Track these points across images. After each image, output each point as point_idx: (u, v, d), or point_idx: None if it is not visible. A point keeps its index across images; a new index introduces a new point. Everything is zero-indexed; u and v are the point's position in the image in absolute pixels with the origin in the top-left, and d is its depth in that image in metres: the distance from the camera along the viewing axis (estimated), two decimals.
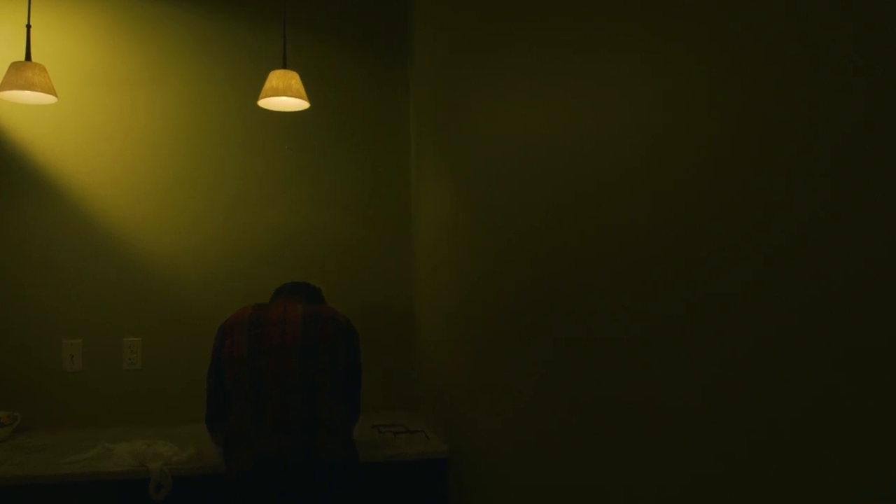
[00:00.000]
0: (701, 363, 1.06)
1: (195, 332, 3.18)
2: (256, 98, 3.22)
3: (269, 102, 3.00)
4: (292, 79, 2.87)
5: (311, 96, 3.28)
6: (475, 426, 2.35)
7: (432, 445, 2.73)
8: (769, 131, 0.90)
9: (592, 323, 1.44)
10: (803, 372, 0.85)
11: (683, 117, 1.10)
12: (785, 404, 0.88)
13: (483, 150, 2.21)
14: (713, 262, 1.03)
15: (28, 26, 2.72)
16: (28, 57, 2.70)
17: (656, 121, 1.19)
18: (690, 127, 1.08)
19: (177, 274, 3.20)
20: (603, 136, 1.39)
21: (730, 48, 0.99)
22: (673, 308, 1.14)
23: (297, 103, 3.02)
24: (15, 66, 2.63)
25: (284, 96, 2.86)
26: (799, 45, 0.85)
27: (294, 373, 2.33)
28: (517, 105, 1.90)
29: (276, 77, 2.86)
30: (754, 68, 0.93)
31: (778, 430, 0.89)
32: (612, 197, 1.34)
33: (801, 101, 0.85)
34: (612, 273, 1.35)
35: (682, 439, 1.11)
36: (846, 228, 0.78)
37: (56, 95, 2.72)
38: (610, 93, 1.36)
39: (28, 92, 2.70)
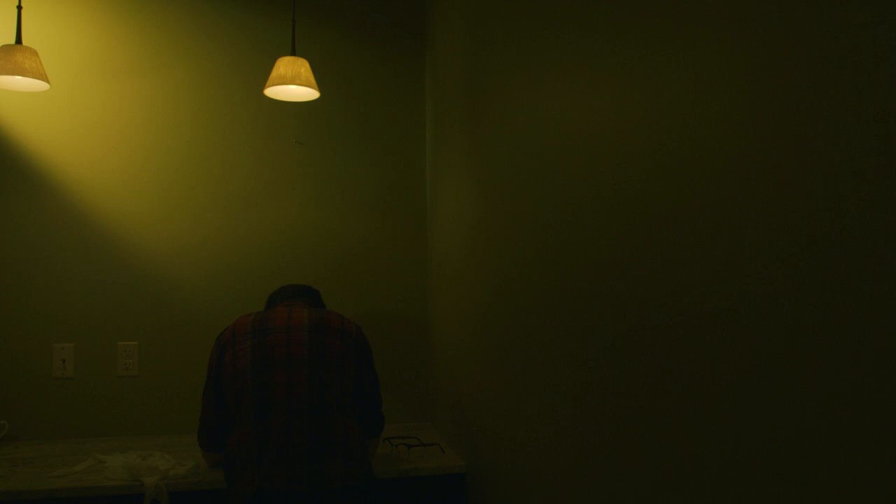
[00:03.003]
0: (732, 375, 1.06)
1: (195, 336, 3.14)
2: (262, 88, 3.19)
3: (277, 91, 2.94)
4: (301, 66, 2.80)
5: (320, 86, 3.25)
6: (496, 439, 2.29)
7: (448, 459, 2.68)
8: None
9: (627, 331, 1.41)
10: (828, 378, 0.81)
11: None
12: (800, 413, 0.90)
13: (512, 144, 2.15)
14: (748, 266, 1.04)
15: (19, 7, 2.67)
16: (19, 40, 2.65)
17: (697, 109, 1.18)
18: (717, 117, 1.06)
19: (177, 274, 3.15)
20: (640, 126, 1.37)
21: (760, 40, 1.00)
22: (714, 318, 1.13)
23: (307, 93, 2.96)
24: (4, 50, 2.57)
25: (293, 85, 2.79)
26: (833, 42, 0.87)
27: (302, 387, 2.25)
28: (548, 95, 1.85)
29: (284, 64, 2.80)
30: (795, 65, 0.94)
31: (793, 438, 0.92)
32: (644, 192, 1.32)
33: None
34: (652, 271, 1.32)
35: (709, 456, 1.12)
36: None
37: (48, 82, 2.66)
38: (647, 82, 1.35)
39: (18, 77, 2.65)
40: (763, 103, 1.00)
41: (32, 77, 2.59)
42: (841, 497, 0.87)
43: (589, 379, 1.60)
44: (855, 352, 0.84)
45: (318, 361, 2.32)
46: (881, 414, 0.80)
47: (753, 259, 1.02)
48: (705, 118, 1.14)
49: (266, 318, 2.41)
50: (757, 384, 1.01)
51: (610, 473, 1.48)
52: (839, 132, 0.86)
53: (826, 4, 0.88)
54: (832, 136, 0.87)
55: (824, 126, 0.88)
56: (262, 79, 3.22)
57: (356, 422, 2.32)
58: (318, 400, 2.25)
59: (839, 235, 0.86)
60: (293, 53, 2.86)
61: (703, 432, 1.15)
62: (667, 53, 1.26)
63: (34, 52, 2.62)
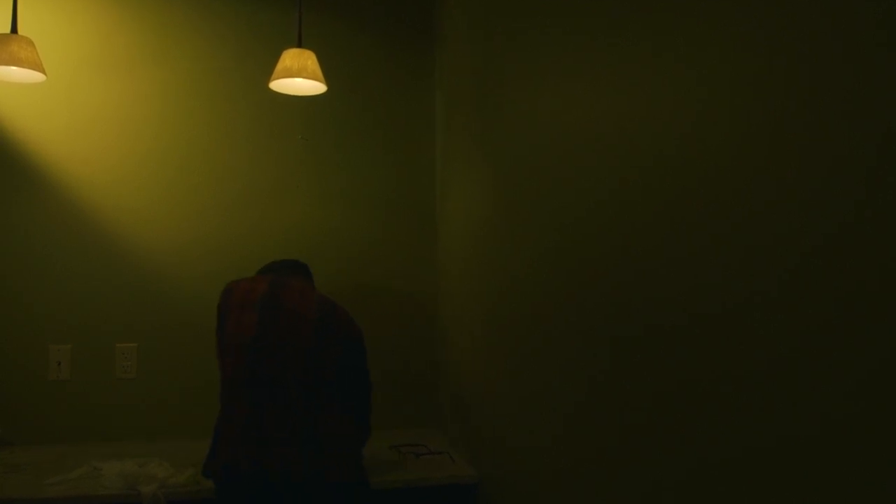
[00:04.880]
0: (738, 377, 1.05)
1: (196, 338, 3.02)
2: (266, 82, 3.07)
3: (282, 85, 2.82)
4: (308, 59, 2.67)
5: (327, 80, 3.11)
6: (508, 446, 2.19)
7: (458, 469, 2.55)
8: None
9: (634, 332, 1.38)
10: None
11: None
12: (806, 413, 0.89)
13: (524, 141, 2.06)
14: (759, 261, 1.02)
15: None
16: (14, 29, 2.51)
17: (700, 108, 1.18)
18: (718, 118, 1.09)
19: (177, 274, 3.03)
20: (646, 124, 1.36)
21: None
22: (722, 319, 1.11)
23: (313, 86, 2.83)
24: None
25: (299, 78, 2.67)
26: (837, 40, 0.87)
27: (297, 376, 2.18)
28: (553, 93, 1.83)
29: (290, 57, 2.67)
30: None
31: (795, 438, 0.93)
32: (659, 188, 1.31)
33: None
34: (659, 272, 1.30)
35: (712, 458, 1.11)
36: None
37: (45, 73, 2.53)
38: (650, 80, 1.35)
39: (13, 68, 2.51)
40: (769, 101, 0.99)
41: (28, 67, 2.46)
42: (854, 498, 0.85)
43: (598, 380, 1.55)
44: (865, 352, 0.83)
45: (319, 352, 2.24)
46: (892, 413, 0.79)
47: (761, 259, 1.00)
48: (711, 117, 1.13)
49: (278, 291, 2.30)
50: (764, 386, 0.99)
51: (624, 481, 1.39)
52: (844, 131, 0.86)
53: (828, 4, 0.88)
54: (838, 135, 0.87)
55: (831, 125, 0.88)
56: (266, 73, 3.09)
57: (350, 423, 2.34)
58: (311, 395, 2.22)
59: (847, 235, 0.86)
60: (299, 45, 2.74)
61: (706, 434, 1.14)
62: (672, 51, 1.25)
63: (30, 42, 2.48)
